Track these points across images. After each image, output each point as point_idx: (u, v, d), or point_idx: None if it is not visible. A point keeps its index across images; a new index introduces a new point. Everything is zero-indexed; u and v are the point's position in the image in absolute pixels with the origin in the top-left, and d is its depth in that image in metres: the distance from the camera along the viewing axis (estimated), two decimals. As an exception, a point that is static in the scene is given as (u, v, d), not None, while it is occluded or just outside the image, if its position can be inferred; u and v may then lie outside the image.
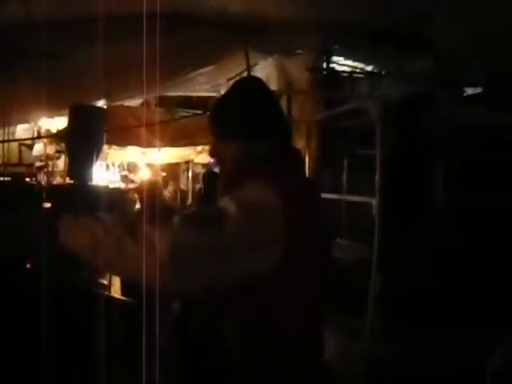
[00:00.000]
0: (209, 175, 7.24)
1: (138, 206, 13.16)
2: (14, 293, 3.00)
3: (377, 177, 5.46)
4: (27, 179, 10.04)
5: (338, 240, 6.68)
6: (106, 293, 4.15)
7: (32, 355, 2.73)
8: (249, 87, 2.38)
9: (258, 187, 2.01)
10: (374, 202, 5.49)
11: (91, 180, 6.46)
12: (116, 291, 4.41)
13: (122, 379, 2.78)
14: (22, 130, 12.43)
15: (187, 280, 1.85)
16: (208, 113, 2.49)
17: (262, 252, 1.93)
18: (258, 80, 2.46)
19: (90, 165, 6.39)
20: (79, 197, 5.51)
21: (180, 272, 1.80)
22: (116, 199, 6.62)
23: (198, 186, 14.45)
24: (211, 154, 2.42)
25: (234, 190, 2.07)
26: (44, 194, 5.87)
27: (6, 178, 9.71)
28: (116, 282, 4.57)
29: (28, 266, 3.45)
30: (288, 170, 2.23)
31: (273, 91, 2.36)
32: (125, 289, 4.37)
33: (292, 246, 1.94)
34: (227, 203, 1.93)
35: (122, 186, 13.99)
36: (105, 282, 4.53)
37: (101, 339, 2.64)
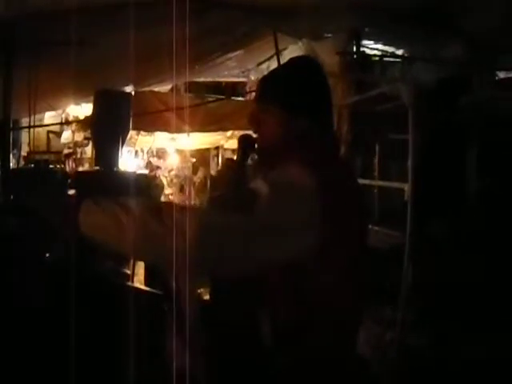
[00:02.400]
0: (244, 139, 7.17)
1: (166, 191, 13.25)
2: (34, 281, 2.97)
3: (409, 162, 5.38)
4: (51, 166, 10.06)
5: (370, 226, 6.62)
6: (129, 283, 4.13)
7: (53, 346, 2.70)
8: (305, 64, 2.35)
9: (293, 170, 1.98)
10: (407, 187, 5.40)
11: (117, 166, 6.44)
12: (139, 281, 4.39)
13: (146, 368, 2.76)
14: (49, 118, 12.51)
15: (216, 263, 1.84)
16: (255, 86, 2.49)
17: (293, 237, 1.89)
18: (314, 60, 2.42)
19: (116, 151, 6.38)
20: (105, 183, 5.50)
21: (209, 254, 1.78)
22: (143, 185, 6.59)
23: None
24: (250, 121, 2.37)
25: (269, 169, 2.07)
26: (70, 181, 5.86)
27: (30, 165, 9.77)
28: (139, 271, 4.55)
29: (47, 255, 3.43)
30: (326, 152, 2.22)
31: (325, 73, 2.31)
32: (148, 279, 4.35)
33: (328, 231, 1.89)
34: (260, 185, 1.90)
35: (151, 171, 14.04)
36: (128, 271, 4.51)
37: (124, 329, 2.60)
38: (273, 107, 2.22)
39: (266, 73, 2.49)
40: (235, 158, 9.52)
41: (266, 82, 2.36)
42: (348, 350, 2.19)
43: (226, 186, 6.73)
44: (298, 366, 2.05)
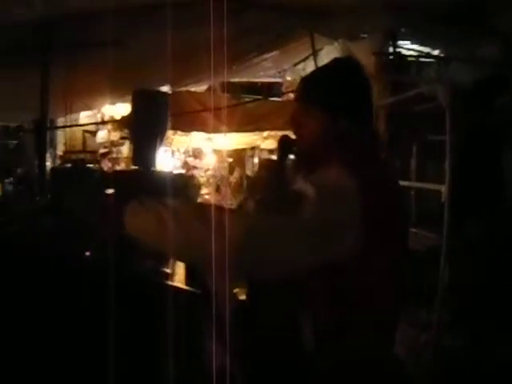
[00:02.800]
0: (284, 140, 7.17)
1: (202, 191, 13.28)
2: (73, 281, 2.99)
3: (446, 163, 5.34)
4: (89, 165, 10.16)
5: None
6: (170, 282, 4.14)
7: (94, 346, 2.73)
8: (346, 65, 2.36)
9: (336, 171, 1.99)
10: (444, 189, 5.37)
11: (155, 166, 6.48)
12: (180, 280, 4.40)
13: (185, 368, 2.77)
14: (85, 117, 12.64)
15: (263, 265, 1.86)
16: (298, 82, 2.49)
17: (339, 238, 1.90)
18: (355, 61, 2.43)
19: (154, 151, 6.42)
20: (143, 183, 5.53)
21: (256, 257, 1.81)
22: (180, 185, 6.62)
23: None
24: (291, 122, 2.38)
25: (313, 171, 2.09)
26: (107, 180, 5.90)
27: (67, 165, 9.87)
28: (180, 271, 4.56)
29: (87, 253, 3.45)
30: (367, 153, 2.22)
31: (366, 75, 2.32)
32: (189, 278, 4.36)
33: (370, 232, 1.91)
34: (305, 187, 1.91)
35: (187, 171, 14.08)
36: (168, 270, 4.53)
37: (164, 329, 2.62)
38: (314, 108, 2.23)
39: (302, 73, 2.51)
40: (274, 158, 9.54)
41: (307, 82, 2.37)
42: (386, 351, 2.20)
43: (265, 186, 6.74)
44: (338, 367, 2.07)
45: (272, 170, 6.97)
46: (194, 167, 15.10)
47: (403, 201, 2.56)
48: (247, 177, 15.31)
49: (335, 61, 2.47)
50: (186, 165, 14.99)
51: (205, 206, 1.90)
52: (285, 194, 1.98)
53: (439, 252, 5.27)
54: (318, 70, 2.48)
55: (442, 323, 5.24)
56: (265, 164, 10.14)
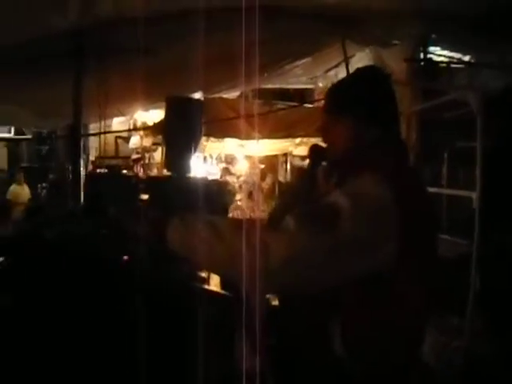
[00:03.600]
0: (315, 149, 7.18)
1: (237, 197, 13.29)
2: (112, 285, 3.05)
3: (478, 170, 5.33)
4: (124, 171, 10.24)
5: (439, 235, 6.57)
6: (206, 286, 4.18)
7: (128, 347, 2.78)
8: (373, 74, 2.39)
9: (370, 181, 2.00)
10: (475, 195, 5.35)
11: (189, 172, 6.51)
12: (215, 284, 4.43)
13: (219, 372, 2.81)
14: (117, 123, 12.74)
15: (306, 282, 1.89)
16: (325, 91, 2.51)
17: (378, 249, 1.92)
18: (380, 70, 2.47)
19: (188, 157, 6.43)
20: (177, 189, 5.56)
21: (298, 274, 1.83)
22: (215, 191, 6.65)
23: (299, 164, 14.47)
24: (321, 131, 2.42)
25: (346, 181, 2.09)
26: (141, 186, 5.95)
27: (102, 170, 9.95)
28: (215, 275, 4.60)
29: (125, 258, 3.50)
30: (398, 161, 2.23)
31: (392, 83, 2.35)
32: (224, 283, 4.39)
33: (405, 241, 1.92)
34: (338, 198, 1.92)
35: (220, 177, 14.11)
36: (203, 275, 4.57)
37: (199, 333, 2.66)
38: (343, 117, 2.26)
39: (333, 80, 2.54)
40: (306, 167, 9.52)
41: (335, 91, 2.40)
42: (416, 358, 2.22)
43: (298, 196, 6.76)
44: (368, 373, 2.08)
45: (304, 179, 6.99)
46: (228, 173, 15.13)
47: (434, 207, 2.56)
48: (279, 183, 15.30)
49: (361, 70, 2.49)
50: (224, 171, 15.03)
51: (242, 223, 1.92)
52: (320, 206, 1.99)
53: (470, 258, 5.25)
54: (345, 80, 2.50)
55: (473, 330, 5.21)
56: (296, 173, 10.15)
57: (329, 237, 1.82)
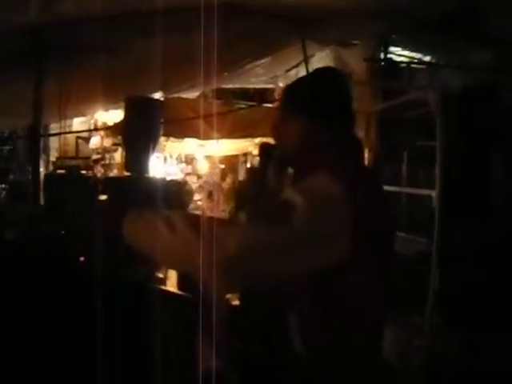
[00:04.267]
0: (265, 148, 7.20)
1: (195, 197, 13.27)
2: (67, 286, 3.01)
3: (437, 169, 5.37)
4: (83, 172, 10.17)
5: (399, 233, 6.62)
6: (162, 287, 4.16)
7: (85, 349, 2.74)
8: (329, 74, 2.40)
9: (324, 179, 2.00)
10: (435, 194, 5.39)
11: (148, 172, 6.48)
12: (172, 285, 4.41)
13: (177, 372, 2.79)
14: (78, 124, 12.64)
15: (257, 277, 1.88)
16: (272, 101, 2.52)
17: (331, 246, 1.92)
18: (336, 71, 2.53)
19: (147, 157, 6.41)
20: (136, 189, 5.53)
21: (250, 269, 1.82)
22: (173, 191, 6.62)
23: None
24: (274, 128, 2.41)
25: (300, 179, 2.12)
26: (100, 187, 5.92)
27: (60, 171, 9.87)
28: (172, 275, 4.58)
29: (82, 259, 3.47)
30: (352, 159, 2.24)
31: (349, 84, 2.36)
32: (181, 283, 4.37)
33: (359, 237, 1.92)
34: (292, 196, 1.91)
35: (180, 177, 14.10)
36: (161, 275, 4.54)
37: (156, 333, 2.63)
38: (297, 116, 2.25)
39: (294, 79, 2.52)
40: (256, 166, 9.56)
41: (291, 91, 2.40)
42: (374, 354, 2.20)
43: (251, 195, 6.78)
44: (326, 368, 2.08)
45: (255, 178, 7.00)
46: (187, 173, 15.12)
47: (389, 206, 2.58)
48: (235, 186, 15.38)
49: (318, 70, 2.51)
50: (181, 171, 15.04)
51: (199, 218, 1.91)
52: (273, 203, 1.98)
53: (430, 257, 5.29)
54: (301, 79, 2.51)
55: (433, 328, 5.25)
56: (249, 172, 10.18)
57: (281, 231, 1.82)
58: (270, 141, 7.58)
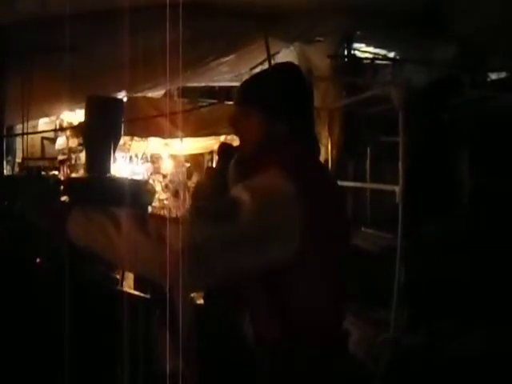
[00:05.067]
0: (223, 147, 7.22)
1: (161, 196, 13.23)
2: (24, 288, 2.98)
3: (400, 164, 5.40)
4: (43, 172, 10.08)
5: (362, 229, 6.65)
6: (119, 287, 4.14)
7: (45, 352, 2.72)
8: (286, 70, 2.40)
9: (272, 175, 1.99)
10: (398, 189, 5.42)
11: (109, 172, 6.45)
12: (129, 286, 4.40)
13: (137, 373, 2.77)
14: (43, 124, 12.54)
15: (204, 275, 1.84)
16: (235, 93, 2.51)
17: (277, 242, 1.90)
18: (294, 66, 2.48)
19: (108, 157, 6.38)
20: (97, 189, 5.50)
21: (196, 268, 1.78)
22: (135, 190, 6.60)
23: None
24: (230, 123, 2.39)
25: (249, 175, 2.08)
26: (62, 187, 5.87)
27: (21, 172, 9.79)
28: (129, 276, 4.56)
29: (38, 260, 3.44)
30: (306, 156, 2.23)
31: (307, 79, 2.35)
32: (138, 283, 4.36)
33: (308, 235, 1.91)
34: (240, 192, 1.91)
35: (145, 177, 14.06)
36: (117, 276, 4.52)
37: (113, 335, 2.62)
38: (253, 110, 2.24)
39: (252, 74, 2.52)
40: (215, 166, 9.57)
41: (246, 86, 2.39)
42: (333, 350, 2.18)
43: (209, 194, 6.79)
44: (282, 365, 2.07)
45: (213, 178, 7.00)
46: (152, 173, 15.08)
47: (344, 203, 2.59)
48: (193, 186, 15.43)
49: (276, 65, 2.51)
50: (146, 171, 15.00)
51: (145, 216, 1.89)
52: (222, 199, 1.97)
53: (395, 252, 5.32)
54: (258, 74, 2.50)
55: (399, 322, 5.28)
56: (207, 172, 10.19)
57: (228, 227, 1.81)
58: (231, 140, 7.58)
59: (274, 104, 2.21)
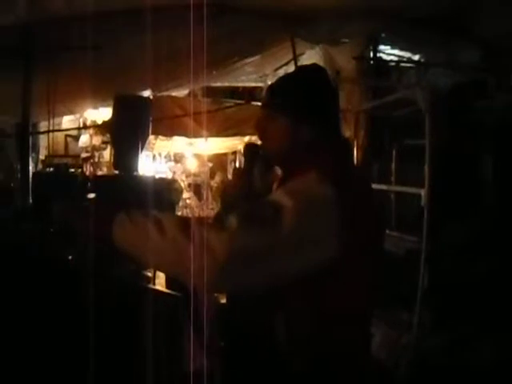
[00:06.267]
0: (250, 147, 7.20)
1: (184, 195, 13.25)
2: (56, 285, 3.00)
3: (426, 167, 5.37)
4: (71, 170, 10.14)
5: (388, 231, 6.63)
6: (151, 285, 4.15)
7: (75, 348, 2.73)
8: (312, 72, 2.37)
9: (311, 179, 1.99)
10: (423, 192, 5.40)
11: (137, 170, 6.47)
12: (160, 284, 4.41)
13: (166, 370, 2.79)
14: (67, 122, 12.60)
15: (249, 281, 1.88)
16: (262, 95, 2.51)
17: (321, 246, 1.91)
18: (320, 68, 2.44)
19: (136, 155, 6.40)
20: (124, 187, 5.53)
21: (241, 273, 1.81)
22: (162, 189, 6.63)
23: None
24: (257, 127, 2.38)
25: (287, 179, 2.13)
26: (88, 185, 5.91)
27: (50, 169, 9.84)
28: (160, 274, 4.57)
29: (70, 257, 3.46)
30: (339, 159, 2.21)
31: (333, 82, 2.34)
32: (169, 282, 4.36)
33: (348, 237, 1.91)
34: (282, 197, 1.91)
35: (170, 175, 14.09)
36: (149, 274, 4.54)
37: (145, 332, 2.63)
38: (281, 115, 2.23)
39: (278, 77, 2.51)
40: (242, 166, 9.56)
41: (273, 90, 2.37)
42: (362, 354, 2.21)
43: (236, 194, 6.79)
44: (311, 370, 2.08)
45: (241, 178, 6.99)
46: (176, 172, 15.10)
47: (378, 205, 2.57)
48: (222, 186, 15.42)
49: (301, 68, 2.49)
50: (170, 170, 15.03)
51: (188, 221, 1.89)
52: (262, 205, 1.97)
53: (419, 255, 5.30)
54: (284, 78, 2.47)
55: (422, 325, 5.26)
56: (235, 172, 10.19)
57: (271, 234, 1.81)
58: (257, 140, 7.60)
59: (301, 107, 2.20)
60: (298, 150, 2.19)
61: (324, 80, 2.32)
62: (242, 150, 7.56)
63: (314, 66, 2.54)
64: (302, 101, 2.21)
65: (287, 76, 2.53)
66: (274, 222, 1.82)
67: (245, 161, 7.33)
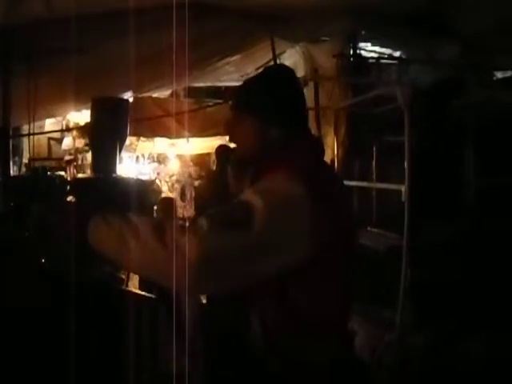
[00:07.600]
0: (221, 149, 7.22)
1: (162, 195, 13.28)
2: (33, 287, 2.99)
3: (406, 164, 5.39)
4: (49, 173, 10.13)
5: (368, 228, 6.64)
6: (124, 287, 4.15)
7: (49, 352, 2.72)
8: (277, 73, 2.40)
9: (281, 178, 2.00)
10: (404, 189, 5.41)
11: (115, 172, 6.47)
12: (134, 285, 4.41)
13: (140, 372, 2.78)
14: (50, 124, 12.57)
15: (221, 283, 1.87)
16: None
17: (291, 246, 1.91)
18: (286, 68, 2.47)
19: (114, 157, 6.41)
20: (103, 189, 5.53)
21: (213, 276, 1.81)
22: (140, 191, 6.63)
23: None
24: (226, 128, 2.40)
25: (257, 179, 2.12)
26: (67, 187, 5.90)
27: (27, 173, 9.81)
28: (134, 276, 4.57)
29: (43, 260, 3.45)
30: (309, 157, 2.22)
31: (300, 81, 2.35)
32: (143, 283, 4.37)
33: (319, 236, 1.92)
34: (253, 197, 1.91)
35: (152, 177, 14.08)
36: (123, 276, 4.53)
37: (119, 333, 2.62)
38: (249, 115, 2.25)
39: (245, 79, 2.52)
40: (214, 168, 9.57)
41: (241, 91, 2.39)
42: (340, 352, 2.20)
43: (210, 196, 6.80)
44: (289, 366, 2.08)
45: (214, 180, 7.01)
46: (159, 173, 15.11)
47: (349, 202, 2.59)
48: (194, 189, 15.45)
49: (268, 69, 2.50)
50: (153, 171, 15.05)
51: (163, 224, 1.89)
52: (233, 206, 1.97)
53: (400, 251, 5.31)
54: (250, 79, 2.49)
55: (405, 322, 5.27)
56: (207, 174, 10.20)
57: (243, 235, 1.81)
58: (226, 143, 7.61)
59: (266, 108, 2.22)
60: (267, 149, 2.21)
61: (290, 79, 2.35)
62: (214, 152, 7.56)
63: (281, 66, 2.56)
64: (268, 101, 2.23)
65: (253, 77, 2.53)
66: (246, 222, 1.82)
67: (217, 163, 7.36)
